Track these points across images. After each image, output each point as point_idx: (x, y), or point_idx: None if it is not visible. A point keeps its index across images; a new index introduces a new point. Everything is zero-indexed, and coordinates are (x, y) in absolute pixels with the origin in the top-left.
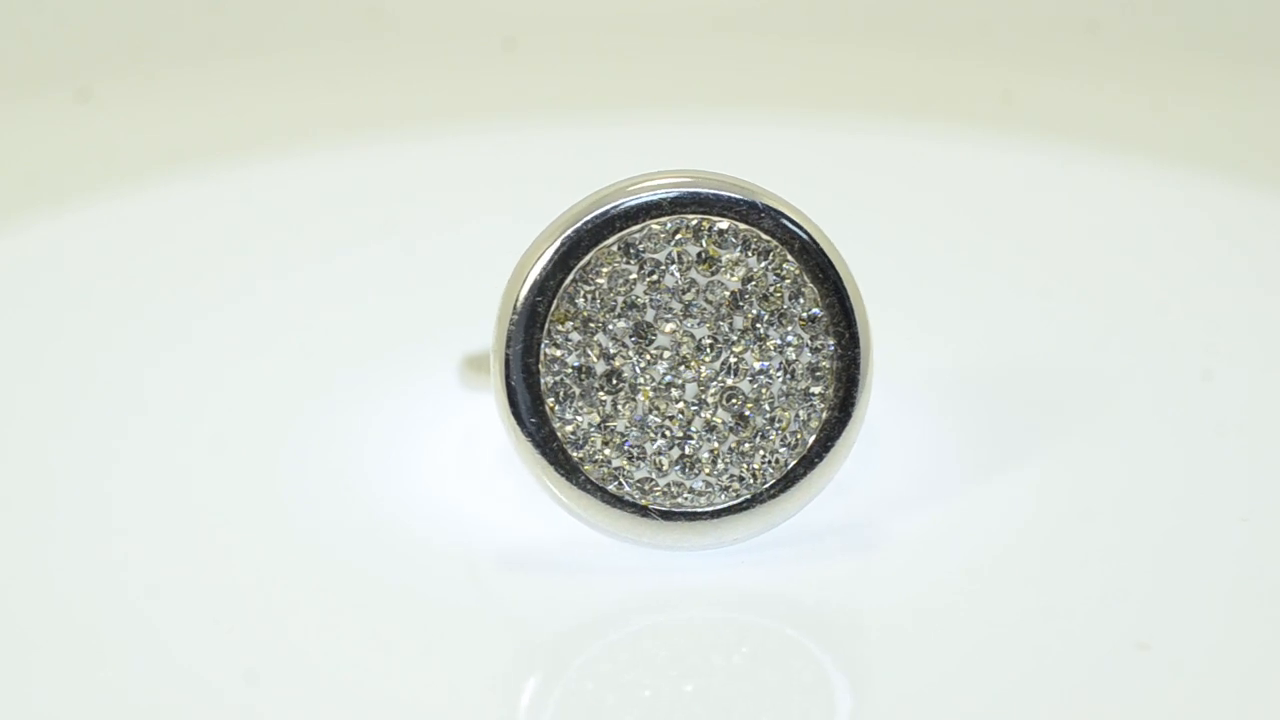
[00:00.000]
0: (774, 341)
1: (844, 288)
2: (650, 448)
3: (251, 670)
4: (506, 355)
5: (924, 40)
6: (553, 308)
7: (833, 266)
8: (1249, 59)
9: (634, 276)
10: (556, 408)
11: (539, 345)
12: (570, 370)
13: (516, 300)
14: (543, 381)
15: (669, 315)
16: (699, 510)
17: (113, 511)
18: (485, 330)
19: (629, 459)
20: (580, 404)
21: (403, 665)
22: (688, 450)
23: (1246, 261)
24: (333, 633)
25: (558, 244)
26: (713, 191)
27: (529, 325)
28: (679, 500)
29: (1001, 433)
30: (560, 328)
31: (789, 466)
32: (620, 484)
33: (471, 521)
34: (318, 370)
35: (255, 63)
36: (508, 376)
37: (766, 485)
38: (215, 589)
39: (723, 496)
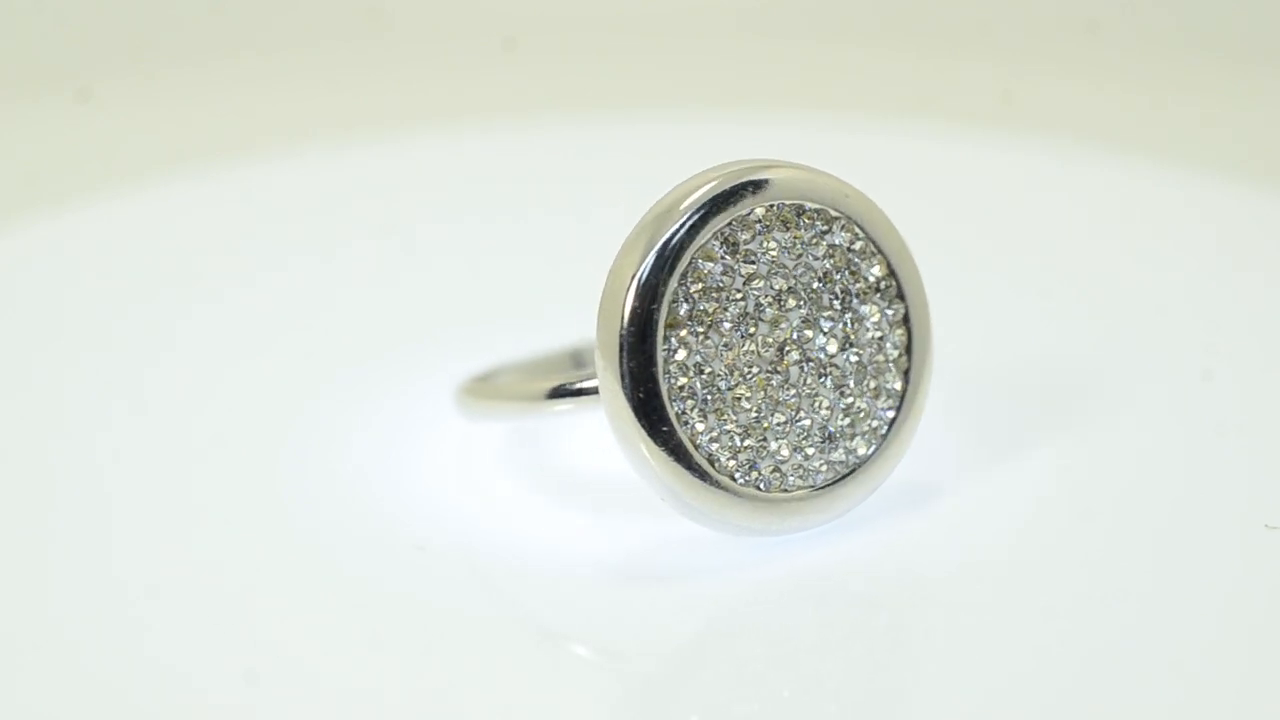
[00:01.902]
0: (861, 310)
1: (904, 252)
2: (772, 436)
3: (251, 670)
4: (628, 369)
5: (924, 40)
6: (665, 313)
7: (890, 234)
8: (1249, 59)
9: (733, 268)
10: (683, 413)
11: (657, 353)
12: (690, 371)
13: (624, 312)
14: (665, 388)
15: (767, 301)
16: (818, 487)
17: (113, 511)
18: (486, 332)
19: (756, 449)
20: (706, 404)
21: (402, 665)
22: (805, 432)
23: (1246, 261)
24: (332, 632)
25: (657, 249)
26: (784, 175)
27: (646, 335)
28: (801, 482)
29: (1001, 432)
30: (678, 333)
31: (884, 432)
32: (747, 475)
33: (471, 522)
34: (318, 370)
35: (255, 63)
36: (634, 391)
37: (866, 452)
38: (215, 589)
39: (835, 470)
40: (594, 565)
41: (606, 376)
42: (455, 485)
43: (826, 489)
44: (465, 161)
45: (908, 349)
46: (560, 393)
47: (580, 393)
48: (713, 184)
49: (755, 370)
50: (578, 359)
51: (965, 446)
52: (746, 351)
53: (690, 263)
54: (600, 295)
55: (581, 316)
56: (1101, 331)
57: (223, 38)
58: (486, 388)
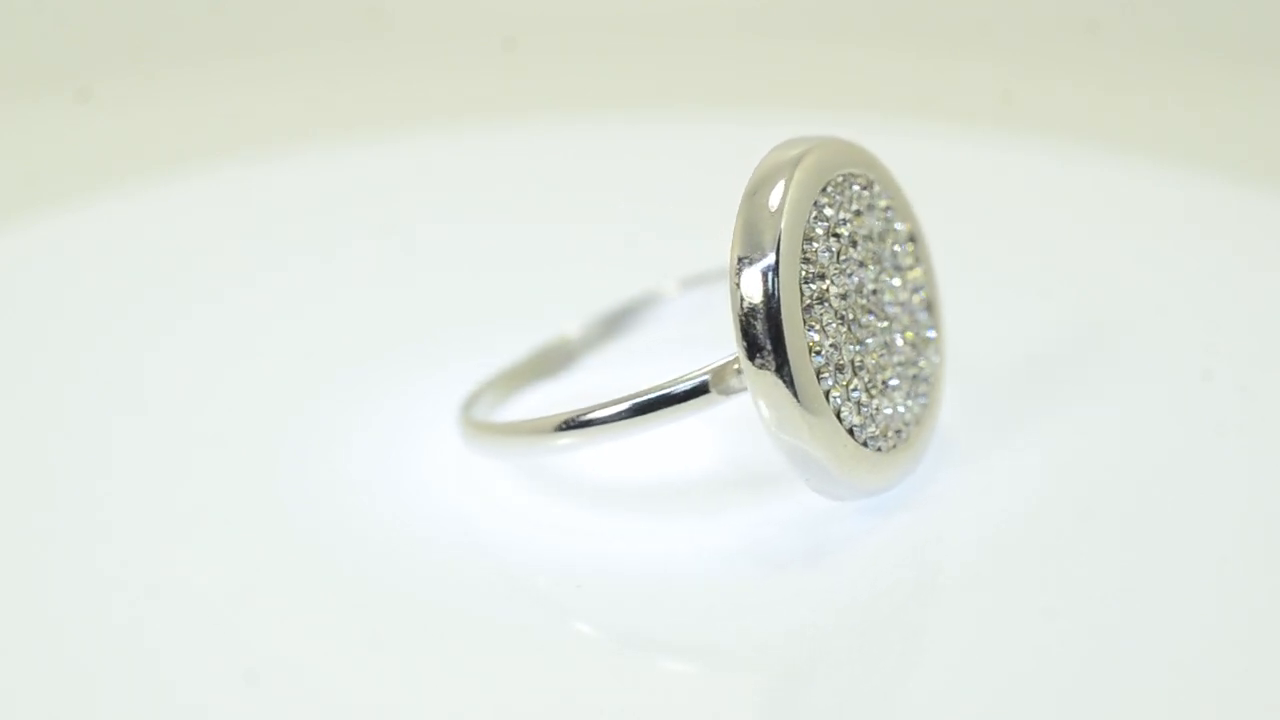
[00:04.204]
0: (903, 264)
1: (912, 210)
2: (880, 395)
3: (251, 671)
4: (785, 359)
5: (924, 40)
6: (800, 298)
7: (901, 193)
8: (1249, 59)
9: (830, 245)
10: (828, 391)
11: (803, 338)
12: (825, 350)
13: (767, 304)
14: (813, 370)
15: (853, 269)
16: (907, 438)
17: (112, 510)
18: (486, 332)
19: (874, 411)
20: (837, 377)
21: (402, 665)
22: (898, 388)
23: (1246, 261)
24: (332, 633)
25: (779, 239)
26: (836, 147)
27: (791, 323)
28: (899, 437)
29: (999, 432)
30: (810, 314)
31: (932, 378)
32: (873, 438)
33: (472, 522)
34: (318, 370)
35: (255, 63)
36: (793, 379)
37: (927, 399)
38: (215, 589)
39: (915, 419)
40: (593, 566)
41: (760, 372)
42: (456, 485)
43: (912, 440)
44: (465, 161)
45: (931, 296)
46: (570, 425)
47: (589, 423)
48: (793, 170)
49: (860, 337)
50: (550, 358)
51: (965, 445)
52: (851, 321)
53: (806, 242)
54: (730, 293)
55: (582, 315)
56: (1102, 331)
57: (223, 38)
58: (493, 425)
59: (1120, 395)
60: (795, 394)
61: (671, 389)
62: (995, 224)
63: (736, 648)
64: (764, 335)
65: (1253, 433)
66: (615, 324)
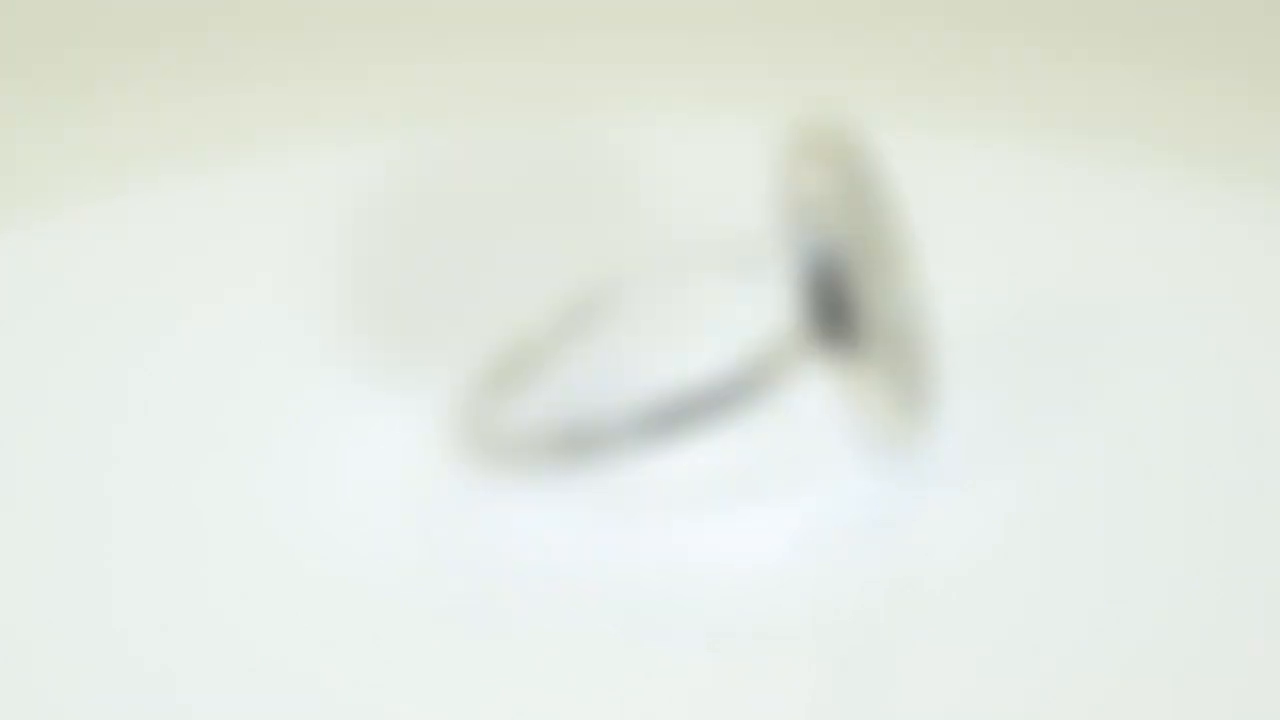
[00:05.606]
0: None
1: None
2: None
3: (252, 672)
4: (856, 337)
5: (924, 40)
6: (857, 274)
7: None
8: (1249, 59)
9: (860, 219)
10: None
11: (867, 312)
12: (881, 324)
13: (833, 288)
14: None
15: (874, 246)
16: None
17: (109, 512)
18: (485, 333)
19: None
20: (893, 348)
21: (398, 673)
22: (920, 355)
23: (1246, 262)
24: (336, 634)
25: (831, 221)
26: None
27: (856, 300)
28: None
29: (997, 434)
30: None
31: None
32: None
33: (470, 522)
34: (319, 370)
35: (255, 62)
36: (867, 354)
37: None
38: (217, 591)
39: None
40: (595, 566)
41: (837, 353)
42: (461, 486)
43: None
44: (465, 161)
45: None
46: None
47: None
48: (821, 153)
49: (893, 311)
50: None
51: (965, 445)
52: (886, 294)
53: (846, 225)
54: (793, 277)
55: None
56: (1102, 331)
57: (222, 38)
58: (505, 442)
59: (1120, 395)
60: (873, 369)
61: (717, 387)
62: (994, 224)
63: (738, 646)
64: (838, 316)
65: (1253, 433)
66: (587, 318)
